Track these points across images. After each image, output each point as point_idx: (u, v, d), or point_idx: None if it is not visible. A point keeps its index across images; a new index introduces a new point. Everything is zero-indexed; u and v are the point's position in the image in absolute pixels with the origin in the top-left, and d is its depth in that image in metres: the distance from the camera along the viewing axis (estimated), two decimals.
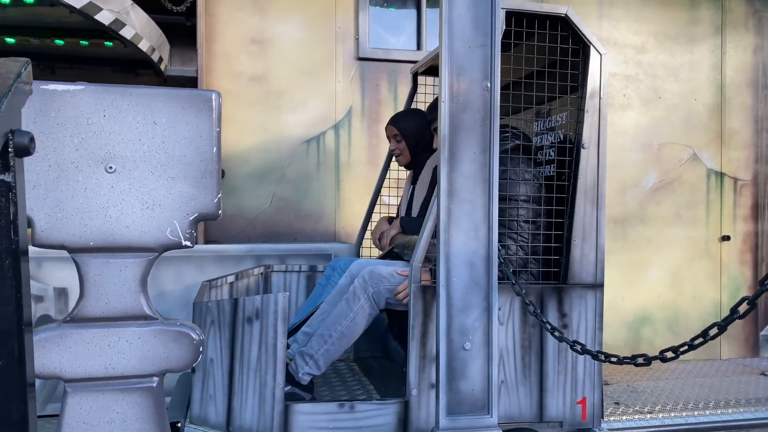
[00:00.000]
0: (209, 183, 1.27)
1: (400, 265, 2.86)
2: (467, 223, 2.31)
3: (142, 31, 3.59)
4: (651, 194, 4.71)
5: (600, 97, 2.73)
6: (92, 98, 1.20)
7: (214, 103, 1.26)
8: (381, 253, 3.39)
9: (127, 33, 3.46)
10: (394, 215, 3.71)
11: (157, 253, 1.27)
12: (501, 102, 2.38)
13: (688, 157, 4.77)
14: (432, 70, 3.53)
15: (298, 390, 2.68)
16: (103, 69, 4.37)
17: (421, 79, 3.65)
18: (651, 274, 4.70)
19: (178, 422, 2.59)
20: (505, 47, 2.57)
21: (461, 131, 2.31)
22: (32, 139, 0.83)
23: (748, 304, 1.67)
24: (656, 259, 4.71)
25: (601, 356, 2.23)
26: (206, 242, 3.93)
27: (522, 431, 2.67)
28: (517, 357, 2.66)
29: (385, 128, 3.44)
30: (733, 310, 1.69)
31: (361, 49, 4.33)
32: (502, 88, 2.54)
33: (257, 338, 2.45)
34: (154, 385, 1.27)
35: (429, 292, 2.52)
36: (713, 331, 1.74)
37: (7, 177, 0.85)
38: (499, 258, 2.39)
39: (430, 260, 2.61)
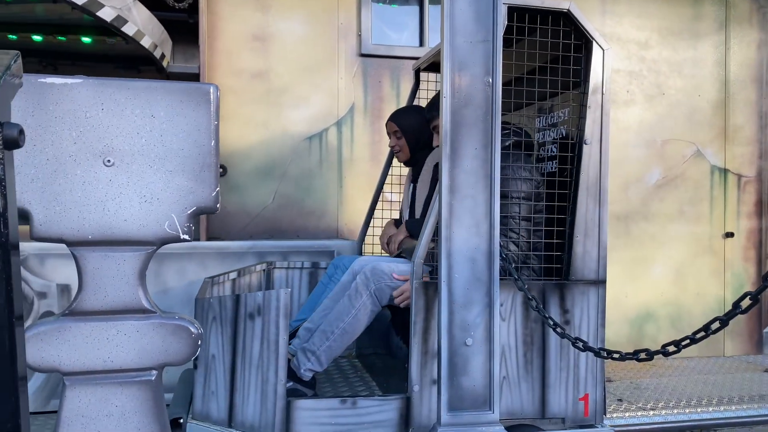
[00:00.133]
0: (207, 176, 1.26)
1: (402, 263, 2.85)
2: (469, 219, 2.30)
3: (144, 27, 3.59)
4: (654, 191, 4.69)
5: (602, 93, 2.72)
6: (90, 91, 1.20)
7: (212, 97, 1.26)
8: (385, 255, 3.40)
9: (129, 30, 3.46)
10: (397, 212, 3.71)
11: (155, 247, 1.27)
12: (503, 98, 2.37)
13: (691, 154, 4.75)
14: (434, 66, 3.52)
15: (300, 386, 2.69)
16: (105, 66, 4.37)
17: (423, 75, 3.65)
18: (654, 270, 4.68)
19: (180, 418, 2.59)
20: (507, 43, 2.56)
21: (463, 127, 2.31)
22: (21, 132, 0.83)
23: (750, 299, 1.66)
24: (659, 255, 4.69)
25: (603, 353, 2.23)
26: (208, 239, 3.94)
27: (524, 427, 2.66)
28: (519, 353, 2.65)
29: (386, 124, 3.44)
30: (736, 304, 1.69)
31: (364, 46, 4.33)
32: (504, 84, 2.53)
33: (259, 334, 2.45)
34: (153, 378, 1.27)
35: (431, 288, 2.52)
36: (715, 325, 1.74)
37: None
38: (500, 254, 2.39)
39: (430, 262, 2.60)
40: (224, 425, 2.51)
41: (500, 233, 2.71)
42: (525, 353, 2.66)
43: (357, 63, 4.34)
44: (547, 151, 2.99)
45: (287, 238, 4.16)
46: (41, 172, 1.19)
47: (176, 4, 4.06)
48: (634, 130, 4.67)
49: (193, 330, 1.27)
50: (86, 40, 3.75)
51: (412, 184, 3.43)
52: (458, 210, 2.28)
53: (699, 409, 3.37)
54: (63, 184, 1.20)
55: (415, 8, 4.47)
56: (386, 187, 3.77)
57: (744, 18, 4.85)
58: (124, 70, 4.43)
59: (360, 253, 3.78)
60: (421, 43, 4.45)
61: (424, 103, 3.58)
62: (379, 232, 3.77)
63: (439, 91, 3.14)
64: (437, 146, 3.09)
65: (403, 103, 4.24)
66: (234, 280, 3.34)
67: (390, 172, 3.75)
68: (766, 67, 4.89)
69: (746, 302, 1.65)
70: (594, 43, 2.70)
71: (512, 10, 2.59)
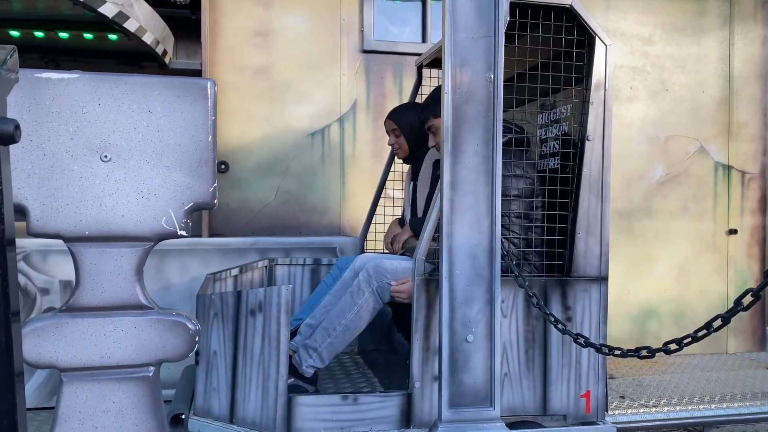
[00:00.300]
0: (204, 172, 1.26)
1: (405, 260, 2.85)
2: (470, 216, 2.30)
3: (146, 23, 3.59)
4: (657, 187, 4.68)
5: (605, 89, 2.71)
6: (87, 87, 1.20)
7: (209, 92, 1.25)
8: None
9: (130, 26, 3.46)
10: (400, 209, 3.70)
11: (152, 243, 1.27)
12: (505, 94, 2.36)
13: (695, 150, 4.74)
14: (437, 62, 3.51)
15: (302, 382, 2.69)
16: (107, 62, 4.37)
17: (426, 71, 3.64)
18: (657, 267, 4.67)
19: (182, 414, 2.59)
20: (509, 39, 2.55)
21: (464, 123, 2.30)
22: (17, 127, 0.83)
23: (752, 296, 1.65)
24: (662, 252, 4.68)
25: (604, 349, 2.22)
26: (211, 235, 3.94)
27: (525, 424, 2.66)
28: (520, 350, 2.65)
29: (384, 123, 3.43)
30: (737, 301, 1.68)
31: (366, 42, 4.32)
32: (506, 81, 2.52)
33: (260, 331, 2.45)
34: (150, 374, 1.26)
35: (432, 284, 2.51)
36: (717, 323, 1.73)
37: None
38: (501, 250, 2.38)
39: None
40: (226, 421, 2.52)
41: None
42: (526, 350, 2.65)
43: (359, 59, 4.33)
44: (550, 148, 2.98)
45: (289, 234, 4.16)
46: (38, 167, 1.19)
47: (178, 1, 4.06)
48: (638, 127, 4.65)
49: (190, 326, 1.27)
50: (88, 36, 3.75)
51: (412, 182, 3.42)
52: (460, 206, 2.28)
53: (701, 406, 3.36)
54: (60, 180, 1.20)
55: (418, 4, 4.46)
56: (388, 184, 3.76)
57: (748, 14, 4.82)
58: (126, 67, 4.43)
59: (362, 250, 3.78)
60: (424, 39, 4.44)
61: None
62: (381, 228, 3.77)
63: (432, 90, 3.13)
64: (432, 146, 3.07)
65: (406, 100, 4.23)
66: (236, 276, 3.34)
67: (392, 169, 3.74)
68: None
69: (748, 299, 1.64)
70: (596, 38, 2.68)
71: (514, 5, 2.58)
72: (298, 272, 3.70)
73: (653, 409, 3.31)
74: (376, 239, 3.75)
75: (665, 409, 3.33)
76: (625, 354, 2.09)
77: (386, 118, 3.38)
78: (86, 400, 1.22)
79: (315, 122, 4.26)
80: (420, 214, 3.30)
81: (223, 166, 4.06)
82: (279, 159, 4.20)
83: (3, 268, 0.83)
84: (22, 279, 3.38)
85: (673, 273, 4.69)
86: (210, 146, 1.26)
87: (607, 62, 2.70)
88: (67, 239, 1.22)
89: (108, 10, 3.26)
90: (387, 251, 3.45)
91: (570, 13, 2.67)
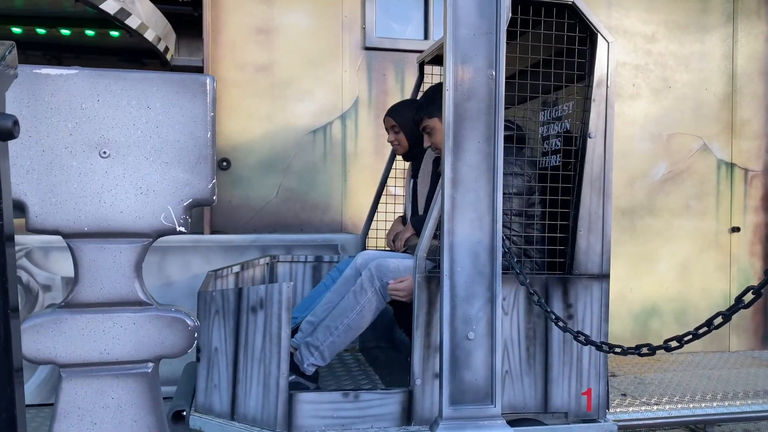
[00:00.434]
0: (204, 168, 1.26)
1: (406, 258, 2.84)
2: (471, 213, 2.29)
3: (147, 20, 3.59)
4: (660, 185, 4.67)
5: (607, 86, 2.70)
6: (86, 83, 1.19)
7: (208, 88, 1.25)
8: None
9: (132, 23, 3.46)
10: (401, 207, 3.70)
11: (151, 239, 1.27)
12: (507, 91, 2.35)
13: (698, 148, 4.72)
14: (438, 59, 3.50)
15: (303, 380, 2.69)
16: (109, 59, 4.38)
17: (427, 68, 3.63)
18: (659, 265, 4.66)
19: (183, 410, 2.59)
20: (511, 36, 2.54)
21: (466, 120, 2.29)
22: (16, 123, 0.83)
23: (753, 293, 1.65)
24: (665, 250, 4.67)
25: (604, 347, 2.22)
26: (212, 232, 3.94)
27: (526, 422, 2.65)
28: (521, 347, 2.64)
29: (383, 120, 3.42)
30: (738, 299, 1.67)
31: (368, 39, 4.31)
32: (508, 78, 2.51)
33: (261, 328, 2.45)
34: (149, 370, 1.26)
35: (434, 282, 2.51)
36: (718, 321, 1.72)
37: None
38: (503, 248, 2.37)
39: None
40: (227, 418, 2.52)
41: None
42: (528, 347, 2.65)
43: (361, 56, 4.32)
44: (551, 145, 2.98)
45: (291, 231, 4.16)
46: (37, 163, 1.19)
47: None
48: (640, 124, 4.64)
49: (189, 322, 1.27)
50: (90, 33, 3.75)
51: (412, 180, 3.41)
52: (461, 203, 2.27)
53: (703, 404, 3.35)
54: (59, 176, 1.20)
55: (420, 1, 4.45)
56: (390, 181, 3.76)
57: (752, 11, 4.80)
58: (128, 64, 4.44)
59: (363, 247, 3.78)
60: (426, 36, 4.43)
61: None
62: (383, 226, 3.76)
63: (427, 90, 3.12)
64: (428, 147, 3.05)
65: (408, 97, 4.23)
66: (237, 273, 3.34)
67: (394, 166, 3.74)
68: None
69: (749, 296, 1.64)
70: (599, 35, 2.68)
71: (516, 2, 2.57)
72: (300, 269, 3.70)
73: (655, 407, 3.31)
74: (377, 236, 3.75)
75: (667, 407, 3.32)
76: (625, 352, 2.09)
77: (385, 115, 3.37)
78: (85, 396, 1.22)
79: (317, 119, 4.26)
80: (421, 211, 3.29)
81: (224, 164, 4.06)
82: (281, 156, 4.20)
83: (2, 264, 0.83)
84: (24, 276, 3.39)
85: (675, 271, 4.68)
86: (209, 142, 1.26)
87: (609, 59, 2.69)
88: (66, 235, 1.22)
89: (110, 7, 3.26)
90: (389, 249, 3.45)
91: (572, 10, 2.66)
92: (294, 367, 2.67)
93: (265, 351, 2.43)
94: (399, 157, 3.66)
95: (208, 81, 1.26)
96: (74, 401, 1.21)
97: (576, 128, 2.78)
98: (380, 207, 3.76)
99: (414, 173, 3.41)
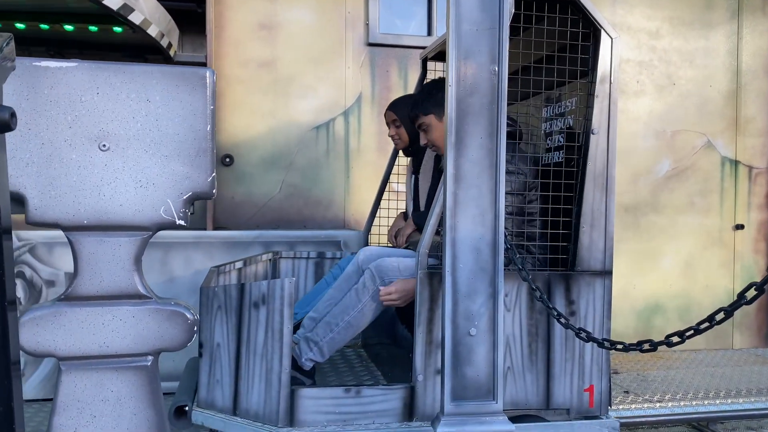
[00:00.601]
0: (203, 161, 1.26)
1: (407, 255, 2.84)
2: (474, 209, 2.28)
3: (151, 16, 3.59)
4: (664, 182, 4.65)
5: (610, 82, 2.69)
6: (86, 75, 1.19)
7: (208, 81, 1.25)
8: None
9: (135, 18, 3.46)
10: (404, 203, 3.69)
11: (151, 232, 1.26)
12: (510, 87, 2.34)
13: (702, 145, 4.71)
14: (441, 55, 3.49)
15: (299, 374, 2.68)
16: (112, 55, 4.38)
17: (430, 64, 3.62)
18: (663, 262, 4.65)
19: (185, 406, 2.60)
20: (514, 31, 2.53)
21: (468, 116, 2.28)
22: (13, 115, 0.82)
23: (755, 289, 1.64)
24: (668, 247, 4.66)
25: (606, 343, 2.21)
26: (215, 228, 3.94)
27: (528, 418, 2.65)
28: (523, 343, 2.64)
29: (384, 114, 3.41)
30: (740, 295, 1.66)
31: (371, 35, 4.30)
32: (511, 74, 2.51)
33: (263, 323, 2.45)
34: (149, 364, 1.26)
35: (436, 278, 2.51)
36: (719, 316, 1.71)
37: None
38: (505, 244, 2.37)
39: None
40: (229, 413, 2.52)
41: None
42: (530, 344, 2.65)
43: (364, 52, 4.32)
44: (554, 141, 2.97)
45: (294, 228, 4.16)
46: (36, 156, 1.19)
47: None
48: (644, 121, 4.63)
49: (188, 316, 1.27)
50: (93, 28, 3.75)
51: (414, 176, 3.41)
52: (463, 199, 2.27)
53: (706, 402, 3.34)
54: (58, 169, 1.20)
55: None
56: (393, 178, 3.75)
57: (757, 7, 4.78)
58: (131, 59, 4.43)
59: (366, 243, 3.77)
60: (429, 32, 4.42)
61: None
62: (385, 222, 3.76)
63: (423, 87, 3.11)
64: (424, 144, 3.03)
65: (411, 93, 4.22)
66: (240, 269, 3.34)
67: (397, 162, 3.73)
68: None
69: (751, 293, 1.63)
70: (602, 31, 2.66)
71: None
72: (302, 265, 3.70)
73: (657, 404, 3.30)
74: (380, 233, 3.75)
75: (670, 404, 3.32)
76: (627, 348, 2.08)
77: (386, 110, 3.36)
78: (85, 389, 1.22)
79: (320, 116, 4.25)
80: (422, 207, 3.28)
81: (227, 160, 4.06)
82: (283, 152, 4.20)
83: None
84: (27, 271, 3.39)
85: (679, 268, 4.67)
86: (208, 135, 1.25)
87: (612, 55, 2.68)
88: (66, 228, 1.22)
89: (113, 2, 3.26)
90: (391, 245, 3.45)
91: (575, 6, 2.65)
92: (291, 362, 2.67)
93: (267, 347, 2.43)
94: (402, 153, 3.66)
95: (207, 74, 1.25)
96: (74, 394, 1.21)
97: (579, 124, 2.78)
98: (383, 203, 3.76)
99: (415, 169, 3.40)
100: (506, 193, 2.68)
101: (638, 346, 2.00)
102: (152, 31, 3.64)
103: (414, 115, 2.97)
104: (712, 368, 4.08)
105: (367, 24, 4.30)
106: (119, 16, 3.39)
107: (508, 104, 2.31)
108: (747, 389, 3.58)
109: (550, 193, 2.74)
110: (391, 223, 3.67)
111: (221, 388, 2.55)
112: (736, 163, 4.76)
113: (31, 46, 4.07)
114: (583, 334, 2.26)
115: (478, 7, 2.26)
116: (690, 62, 4.69)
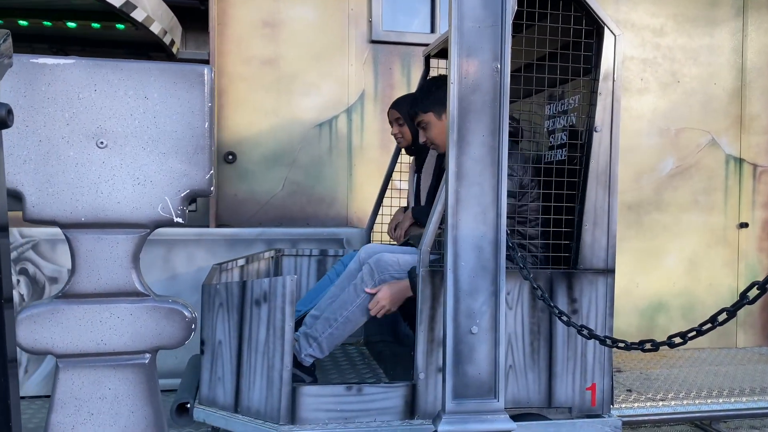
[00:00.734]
0: (201, 159, 1.25)
1: (408, 252, 2.83)
2: (475, 207, 2.28)
3: (153, 13, 3.59)
4: (668, 180, 4.63)
5: (613, 80, 2.68)
6: (83, 72, 1.19)
7: (206, 78, 1.24)
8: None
9: (138, 15, 3.46)
10: (406, 201, 3.69)
11: (148, 230, 1.26)
12: (512, 85, 2.33)
13: (706, 143, 4.69)
14: (444, 52, 3.48)
15: (299, 371, 2.68)
16: (115, 52, 4.38)
17: (433, 62, 3.61)
18: (666, 261, 4.63)
19: (187, 403, 2.60)
20: (516, 29, 2.52)
21: (470, 113, 2.28)
22: (10, 112, 0.82)
23: (758, 289, 1.63)
24: (672, 245, 4.64)
25: (608, 341, 2.20)
26: (217, 226, 3.94)
27: (530, 416, 2.65)
28: (525, 342, 2.63)
29: (387, 112, 3.40)
30: (743, 295, 1.65)
31: (374, 32, 4.29)
32: (514, 71, 2.50)
33: (265, 321, 2.45)
34: (146, 361, 1.26)
35: (437, 276, 2.50)
36: (722, 317, 1.71)
37: None
38: (507, 242, 2.36)
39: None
40: (230, 410, 2.52)
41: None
42: (532, 342, 2.64)
43: (367, 50, 4.31)
44: (557, 139, 2.96)
45: (296, 225, 4.16)
46: (34, 153, 1.18)
47: None
48: (648, 119, 4.61)
49: (186, 314, 1.26)
50: (95, 25, 3.75)
51: (416, 174, 3.40)
52: (465, 197, 2.26)
53: (709, 401, 3.33)
54: (56, 166, 1.19)
55: None
56: (395, 175, 3.75)
57: (762, 4, 4.75)
58: (134, 57, 4.43)
59: (368, 241, 3.77)
60: (433, 30, 4.41)
61: None
62: (388, 220, 3.75)
63: (422, 85, 3.10)
64: (423, 142, 3.02)
65: (414, 90, 4.21)
66: (242, 267, 3.34)
67: (399, 160, 3.73)
68: None
69: (754, 292, 1.62)
70: (605, 28, 2.65)
71: None
72: (305, 263, 3.70)
73: (660, 403, 3.29)
74: (382, 230, 3.74)
75: (672, 403, 3.31)
76: (629, 347, 2.08)
77: (389, 108, 3.36)
78: (82, 387, 1.22)
79: (322, 113, 4.25)
80: (423, 204, 3.28)
81: (230, 157, 4.06)
82: (286, 150, 4.19)
83: None
84: (31, 268, 3.40)
85: (682, 267, 4.66)
86: (206, 133, 1.25)
87: (615, 52, 2.67)
88: (63, 225, 1.22)
89: None
90: (391, 240, 3.44)
91: (578, 3, 2.64)
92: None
93: (269, 344, 2.43)
94: (405, 152, 3.65)
95: (206, 71, 1.25)
96: (71, 391, 1.21)
97: (582, 122, 2.76)
98: (385, 201, 3.75)
99: (418, 168, 3.39)
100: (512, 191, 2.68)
101: (640, 346, 2.00)
102: (155, 28, 3.64)
103: (413, 113, 2.97)
104: (715, 367, 4.07)
105: (370, 21, 4.29)
106: (122, 14, 3.39)
107: (511, 102, 2.30)
108: (750, 388, 3.57)
109: (553, 191, 2.73)
110: (391, 218, 3.66)
111: (223, 386, 2.55)
112: (740, 161, 4.74)
113: (34, 43, 4.08)
114: (584, 332, 2.25)
115: (480, 4, 2.25)
116: (694, 60, 4.66)
